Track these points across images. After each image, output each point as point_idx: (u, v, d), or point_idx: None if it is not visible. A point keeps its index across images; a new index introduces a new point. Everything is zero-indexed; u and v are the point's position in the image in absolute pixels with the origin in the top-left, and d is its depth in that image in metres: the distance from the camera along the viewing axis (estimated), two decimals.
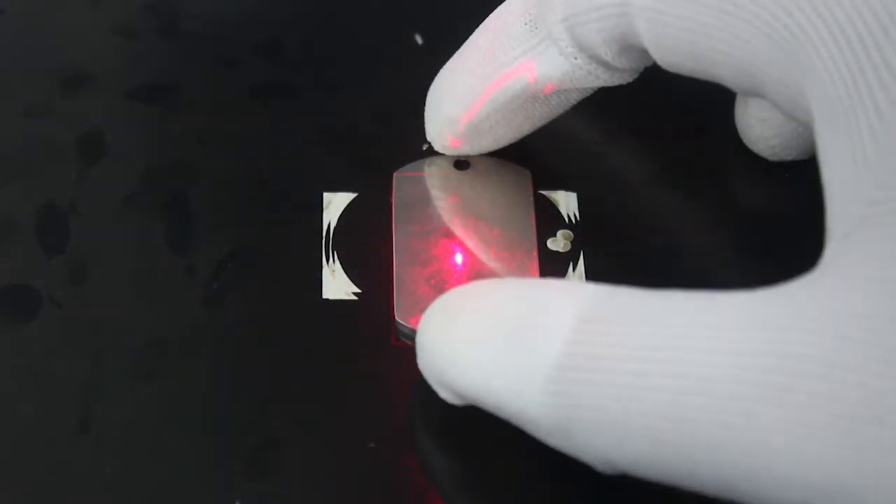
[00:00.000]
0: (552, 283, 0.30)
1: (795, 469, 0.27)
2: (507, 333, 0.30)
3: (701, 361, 0.27)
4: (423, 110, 0.37)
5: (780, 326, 0.27)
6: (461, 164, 0.38)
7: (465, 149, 0.37)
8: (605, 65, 0.35)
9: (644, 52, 0.34)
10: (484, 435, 0.33)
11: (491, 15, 0.36)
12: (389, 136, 0.39)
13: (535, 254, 0.36)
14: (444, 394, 0.32)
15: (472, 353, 0.30)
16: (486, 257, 0.36)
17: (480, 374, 0.30)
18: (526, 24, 0.35)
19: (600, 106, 0.38)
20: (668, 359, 0.28)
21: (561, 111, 0.37)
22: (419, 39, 0.41)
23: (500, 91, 0.35)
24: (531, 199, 0.37)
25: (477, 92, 0.36)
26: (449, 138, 0.37)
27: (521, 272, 0.36)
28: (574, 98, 0.36)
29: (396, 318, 0.35)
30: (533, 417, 0.29)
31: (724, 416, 0.27)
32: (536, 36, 0.34)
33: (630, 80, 0.35)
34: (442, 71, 0.37)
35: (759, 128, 0.37)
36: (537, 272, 0.36)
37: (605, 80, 0.35)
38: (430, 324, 0.31)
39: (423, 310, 0.32)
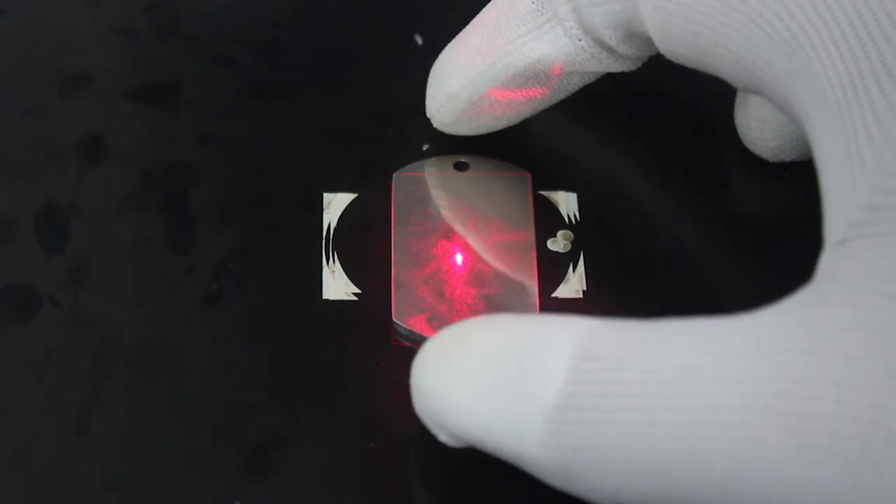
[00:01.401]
0: (547, 320, 0.30)
1: (811, 498, 0.26)
2: (503, 376, 0.29)
3: (706, 391, 0.27)
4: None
5: (786, 349, 0.27)
6: (461, 165, 0.38)
7: (462, 127, 0.37)
8: (609, 49, 0.34)
9: (648, 41, 0.34)
10: None
11: None
12: (389, 136, 0.39)
13: (535, 255, 0.36)
14: (442, 437, 0.31)
15: (468, 398, 0.29)
16: (485, 258, 0.36)
17: (478, 419, 0.29)
18: (533, 2, 0.35)
19: (600, 106, 0.38)
20: (671, 392, 0.27)
21: (562, 96, 0.36)
22: (419, 39, 0.41)
23: (501, 69, 0.35)
24: (530, 200, 0.37)
25: (479, 68, 0.35)
26: (448, 114, 0.37)
27: (519, 273, 0.36)
28: (576, 83, 0.36)
29: (394, 318, 0.35)
30: (534, 460, 0.29)
31: (733, 446, 0.26)
32: (543, 16, 0.34)
33: (633, 67, 0.35)
34: (448, 46, 0.37)
35: (759, 129, 0.37)
36: (535, 273, 0.36)
37: (608, 65, 0.35)
38: (424, 367, 0.31)
39: (421, 310, 0.32)
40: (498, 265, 0.36)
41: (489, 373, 0.29)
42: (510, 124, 0.37)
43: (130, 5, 0.42)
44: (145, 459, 0.33)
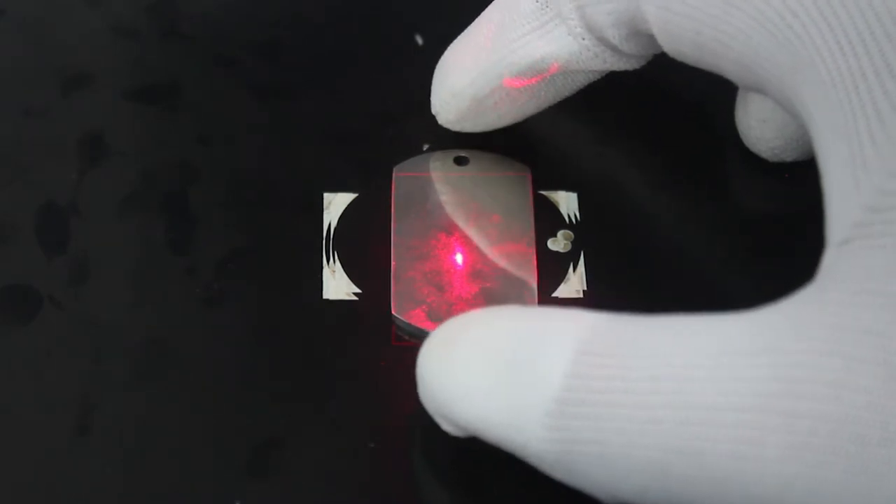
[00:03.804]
0: (551, 313, 0.30)
1: (808, 498, 0.26)
2: (506, 368, 0.29)
3: (705, 390, 0.27)
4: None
5: (785, 349, 0.27)
6: (461, 160, 0.38)
7: (467, 125, 0.37)
8: (612, 48, 0.34)
9: (652, 39, 0.34)
10: None
11: None
12: (389, 136, 0.39)
13: (534, 250, 0.36)
14: (446, 426, 0.31)
15: (471, 388, 0.30)
16: (484, 253, 0.36)
17: (481, 410, 0.29)
18: (537, 1, 0.35)
19: (601, 106, 0.38)
20: (670, 389, 0.27)
21: (566, 94, 0.36)
22: (419, 39, 0.41)
23: (505, 67, 0.35)
24: (530, 194, 0.37)
25: (483, 66, 0.35)
26: (453, 111, 0.37)
27: (519, 268, 0.36)
28: (580, 81, 0.36)
29: (394, 312, 0.35)
30: (535, 452, 0.29)
31: (732, 445, 0.26)
32: (546, 14, 0.34)
33: (637, 66, 0.35)
34: (453, 43, 0.37)
35: (760, 129, 0.37)
36: (535, 268, 0.36)
37: (611, 63, 0.35)
38: (429, 356, 0.31)
39: (420, 304, 0.32)
40: (497, 260, 0.36)
41: (492, 364, 0.29)
42: (514, 121, 0.37)
43: (130, 5, 0.42)
44: (145, 459, 0.33)
